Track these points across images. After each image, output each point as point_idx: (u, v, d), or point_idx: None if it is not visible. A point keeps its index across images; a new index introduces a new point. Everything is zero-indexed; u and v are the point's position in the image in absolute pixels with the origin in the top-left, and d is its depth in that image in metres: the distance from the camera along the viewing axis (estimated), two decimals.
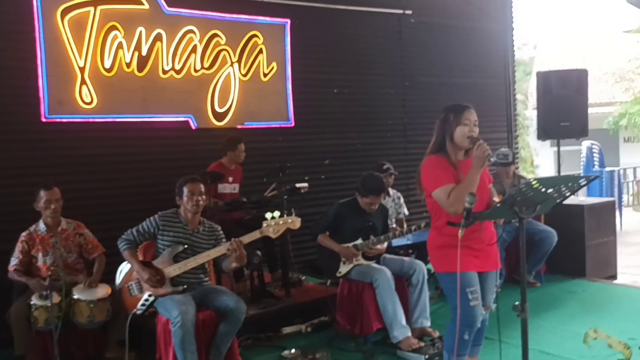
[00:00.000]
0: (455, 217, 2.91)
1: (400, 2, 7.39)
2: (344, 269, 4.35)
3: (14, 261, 4.15)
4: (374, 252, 4.35)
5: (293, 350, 4.04)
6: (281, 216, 3.68)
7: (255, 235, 3.71)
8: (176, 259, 3.82)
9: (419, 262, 4.34)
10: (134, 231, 3.89)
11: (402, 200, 5.63)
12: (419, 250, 5.37)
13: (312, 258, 6.29)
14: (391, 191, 5.50)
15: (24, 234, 4.19)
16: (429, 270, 4.38)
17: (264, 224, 3.67)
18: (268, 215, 3.67)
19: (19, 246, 4.16)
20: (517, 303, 2.68)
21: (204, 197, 3.95)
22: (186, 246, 3.83)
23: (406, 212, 5.65)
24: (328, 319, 4.67)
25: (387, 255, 4.48)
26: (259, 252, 4.63)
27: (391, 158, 6.18)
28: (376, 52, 7.23)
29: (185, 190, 3.87)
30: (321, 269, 4.69)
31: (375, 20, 7.19)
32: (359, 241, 4.32)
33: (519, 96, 12.64)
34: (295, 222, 3.69)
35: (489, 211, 2.94)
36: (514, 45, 8.75)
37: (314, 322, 4.66)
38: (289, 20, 6.44)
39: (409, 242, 5.17)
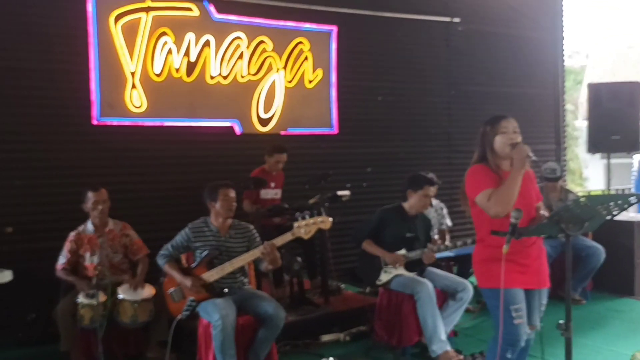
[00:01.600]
0: (499, 226, 2.85)
1: (449, 10, 7.31)
2: (384, 277, 4.31)
3: (62, 260, 4.27)
4: (429, 258, 4.29)
5: (331, 359, 4.02)
6: (311, 217, 3.70)
7: (287, 237, 3.74)
8: (212, 264, 3.86)
9: (469, 284, 4.24)
10: (170, 246, 3.99)
11: (445, 211, 5.55)
12: (460, 263, 5.29)
13: (352, 266, 6.27)
14: (434, 201, 5.41)
15: (72, 233, 4.32)
16: (471, 283, 4.31)
17: (295, 225, 3.70)
18: (298, 216, 3.72)
19: (67, 245, 4.29)
20: (561, 321, 2.60)
21: (235, 200, 3.99)
22: (218, 252, 3.87)
23: (449, 223, 5.57)
24: (366, 328, 4.63)
25: (433, 269, 4.41)
26: (299, 259, 4.65)
27: (435, 167, 6.10)
28: (422, 60, 7.17)
29: (221, 194, 3.90)
30: (361, 277, 4.66)
31: (422, 28, 7.13)
32: (403, 251, 4.27)
33: (568, 106, 12.29)
34: (325, 222, 3.71)
35: (535, 227, 2.87)
36: (564, 54, 8.53)
37: (352, 331, 4.63)
38: (335, 28, 6.46)
39: (451, 254, 5.07)
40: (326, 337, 4.56)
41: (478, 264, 3.09)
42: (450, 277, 4.37)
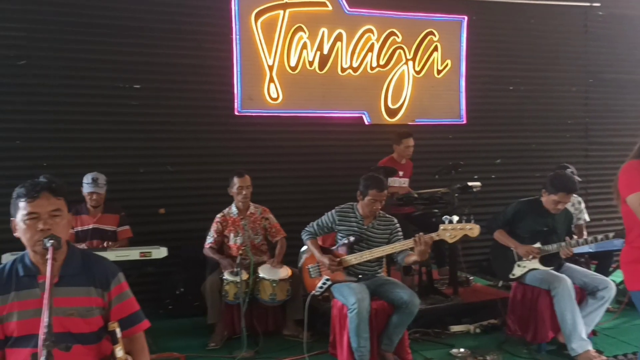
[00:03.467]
0: None
1: None
2: (518, 271, 4.21)
3: (209, 239, 4.65)
4: (566, 253, 4.10)
5: (462, 350, 4.02)
6: (459, 222, 3.61)
7: (431, 237, 3.68)
8: (352, 250, 3.98)
9: (611, 283, 4.02)
10: (315, 225, 4.14)
11: (582, 205, 5.29)
12: (601, 260, 5.03)
13: (480, 259, 6.19)
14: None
15: (218, 215, 4.68)
16: (613, 281, 4.09)
17: (441, 227, 3.62)
18: (446, 219, 3.62)
19: (214, 226, 4.66)
20: None
21: (383, 203, 4.02)
22: (355, 238, 3.95)
23: (587, 217, 5.30)
24: (498, 322, 4.56)
25: (571, 265, 4.24)
26: None
27: (570, 160, 5.85)
28: (558, 47, 6.84)
29: (370, 194, 3.92)
30: (493, 270, 4.58)
31: (558, 14, 6.80)
32: (537, 245, 4.15)
33: None
34: (474, 229, 3.59)
35: None
36: None
37: (482, 323, 4.58)
38: (466, 17, 6.36)
39: (590, 250, 4.83)
40: (455, 328, 4.55)
41: (626, 265, 2.91)
42: (590, 275, 4.16)
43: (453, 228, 3.60)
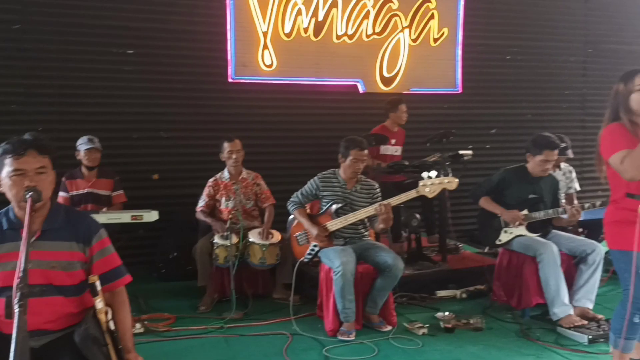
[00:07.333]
0: (636, 188, 2.72)
1: None
2: (504, 237, 4.25)
3: (201, 203, 4.71)
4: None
5: (447, 313, 4.09)
6: (438, 176, 3.72)
7: (411, 194, 3.80)
8: (337, 214, 4.05)
9: (599, 245, 4.06)
10: (299, 194, 4.21)
11: (574, 174, 5.29)
12: (590, 229, 5.06)
13: (470, 228, 6.24)
14: (562, 165, 5.19)
15: (210, 180, 4.73)
16: None
17: (420, 184, 3.74)
18: (424, 174, 3.72)
19: (206, 190, 4.71)
20: None
21: (365, 163, 4.09)
22: (341, 204, 4.02)
23: (577, 187, 5.30)
24: (484, 288, 4.63)
25: (558, 232, 4.28)
26: (417, 215, 4.72)
27: (566, 131, 5.84)
28: (557, 16, 6.78)
29: (352, 154, 4.01)
30: (480, 236, 4.63)
31: None
32: (525, 212, 4.18)
33: None
34: (452, 182, 3.71)
35: None
36: None
37: (469, 289, 4.65)
38: None
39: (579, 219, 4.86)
40: (442, 293, 4.63)
41: (609, 225, 2.96)
42: (577, 240, 4.19)
43: (432, 183, 3.71)
